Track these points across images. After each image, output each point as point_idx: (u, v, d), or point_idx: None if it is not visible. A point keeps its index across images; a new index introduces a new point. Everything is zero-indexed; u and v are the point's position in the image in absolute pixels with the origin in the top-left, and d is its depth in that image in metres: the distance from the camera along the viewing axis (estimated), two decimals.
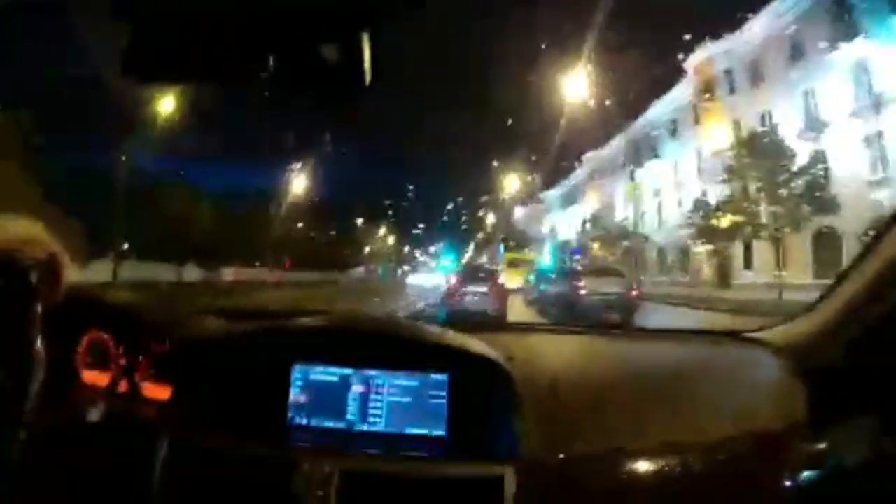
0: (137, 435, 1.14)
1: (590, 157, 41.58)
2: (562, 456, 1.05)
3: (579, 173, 45.62)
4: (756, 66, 24.44)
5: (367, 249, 64.84)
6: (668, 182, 30.56)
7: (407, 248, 78.41)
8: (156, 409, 1.25)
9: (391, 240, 72.73)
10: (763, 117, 23.87)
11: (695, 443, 1.09)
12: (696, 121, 28.55)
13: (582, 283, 13.27)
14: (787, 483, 1.05)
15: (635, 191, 24.08)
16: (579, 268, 16.58)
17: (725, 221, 22.02)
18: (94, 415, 1.26)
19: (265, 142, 40.28)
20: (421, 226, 77.22)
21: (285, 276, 40.52)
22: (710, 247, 25.54)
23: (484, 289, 13.05)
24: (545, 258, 45.12)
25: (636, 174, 32.25)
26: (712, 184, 26.51)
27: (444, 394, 1.17)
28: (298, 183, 40.19)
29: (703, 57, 26.90)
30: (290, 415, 1.20)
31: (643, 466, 1.05)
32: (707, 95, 26.85)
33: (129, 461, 1.11)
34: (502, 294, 13.69)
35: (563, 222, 49.79)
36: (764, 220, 20.39)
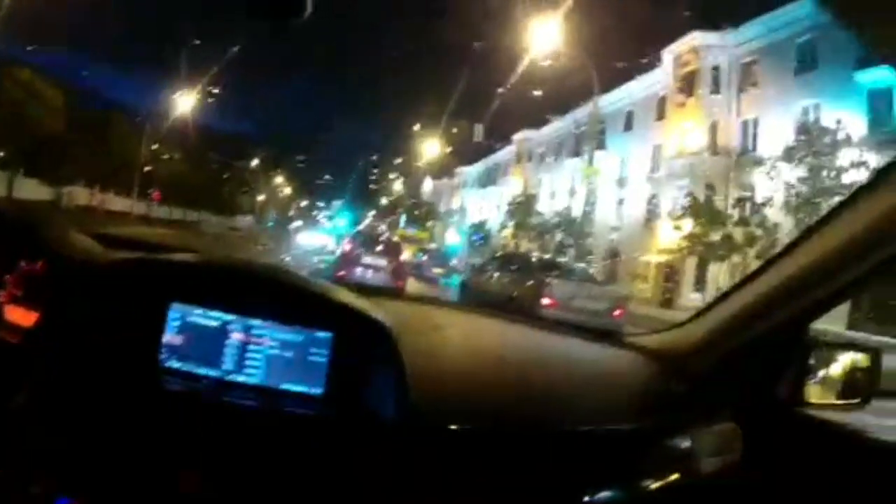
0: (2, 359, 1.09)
1: (522, 137, 38.12)
2: (435, 425, 1.07)
3: (504, 153, 42.21)
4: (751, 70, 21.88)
5: (260, 197, 57.93)
6: (611, 178, 27.82)
7: (305, 203, 70.83)
8: (16, 334, 1.16)
9: (288, 190, 65.52)
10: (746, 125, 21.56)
11: (562, 427, 1.13)
12: (661, 116, 26.02)
13: (551, 290, 9.14)
14: (645, 480, 1.12)
15: (591, 177, 20.65)
16: (533, 261, 11.94)
17: (681, 233, 19.39)
18: None
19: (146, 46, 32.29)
20: (326, 177, 69.28)
21: (153, 210, 33.60)
22: (661, 259, 23.10)
23: (383, 262, 11.95)
24: (448, 237, 42.34)
25: (576, 162, 29.40)
26: (667, 187, 24.21)
27: (325, 352, 1.13)
28: (183, 103, 33.13)
29: (689, 46, 24.02)
30: (162, 355, 1.12)
31: (506, 444, 1.09)
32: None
33: None
34: (403, 272, 12.66)
35: (476, 202, 46.34)
36: (735, 235, 17.88)
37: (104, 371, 1.05)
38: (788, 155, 17.29)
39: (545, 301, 8.96)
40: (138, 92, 39.31)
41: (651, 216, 25.53)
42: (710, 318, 1.33)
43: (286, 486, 0.99)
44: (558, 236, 28.20)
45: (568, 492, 1.08)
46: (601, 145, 28.30)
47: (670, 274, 22.66)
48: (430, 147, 45.35)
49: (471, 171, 49.67)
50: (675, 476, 1.14)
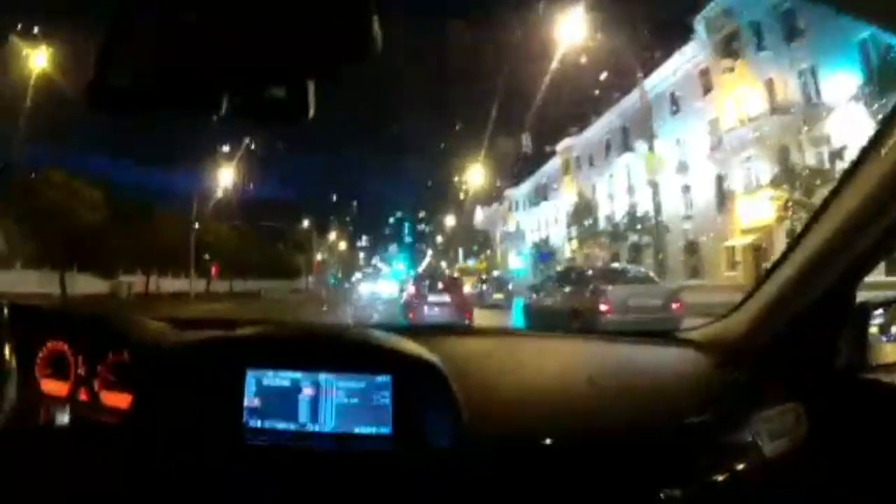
0: (100, 442, 1.20)
1: (565, 146, 36.44)
2: (491, 447, 1.12)
3: (549, 167, 40.56)
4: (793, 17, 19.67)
5: (318, 256, 58.44)
6: (670, 166, 25.66)
7: (361, 255, 71.09)
8: (115, 416, 1.27)
9: (343, 245, 65.96)
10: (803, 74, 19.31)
11: (623, 432, 1.16)
12: (707, 90, 23.94)
13: (606, 297, 9.55)
14: (713, 473, 1.12)
15: (655, 163, 18.59)
16: (589, 272, 11.95)
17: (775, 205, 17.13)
18: (58, 422, 1.28)
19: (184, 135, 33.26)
20: (376, 230, 69.75)
21: (214, 286, 33.83)
22: (746, 240, 20.70)
23: (446, 298, 12.65)
24: (510, 262, 40.77)
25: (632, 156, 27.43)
26: (732, 161, 21.96)
27: (387, 394, 1.21)
28: (226, 178, 33.67)
29: (720, 9, 22.16)
30: (244, 419, 1.23)
31: (572, 456, 1.13)
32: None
33: (93, 468, 1.16)
34: (467, 304, 13.30)
35: (531, 222, 44.63)
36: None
37: (195, 439, 1.15)
38: (860, 95, 15.59)
39: (603, 308, 9.35)
40: (180, 175, 39.52)
41: (723, 197, 23.24)
42: (756, 300, 1.32)
43: None
44: (632, 237, 26.23)
45: (640, 495, 1.09)
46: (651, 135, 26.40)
47: (760, 254, 20.12)
48: (475, 174, 44.20)
49: (519, 192, 48.24)
50: (742, 464, 1.14)
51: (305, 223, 50.57)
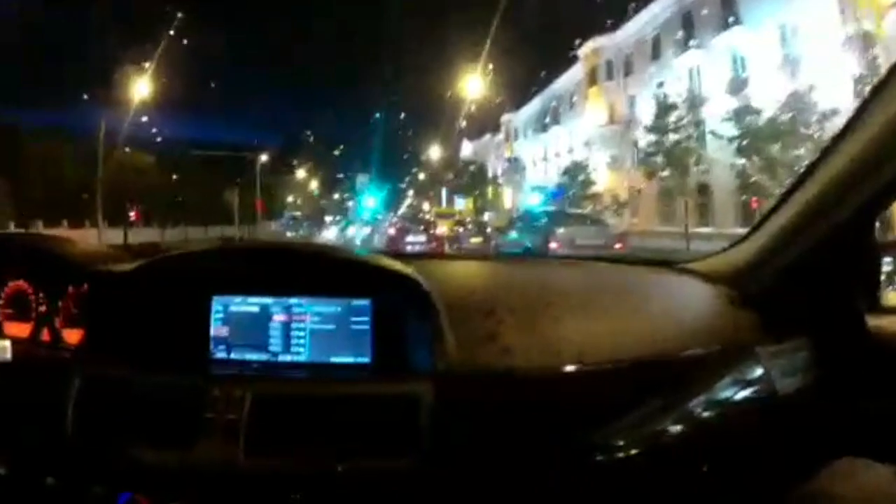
0: (52, 376, 1.12)
1: (592, 48, 28.19)
2: (482, 370, 1.04)
3: (566, 80, 32.43)
4: None
5: (290, 198, 49.93)
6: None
7: (336, 196, 61.52)
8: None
9: (314, 184, 56.90)
10: None
11: (623, 360, 1.07)
12: None
13: (556, 236, 11.27)
14: (720, 403, 1.07)
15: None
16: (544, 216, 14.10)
17: None
18: (15, 364, 1.20)
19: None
20: (356, 164, 58.83)
21: (139, 234, 25.39)
22: None
23: (423, 238, 15.52)
24: (507, 202, 33.74)
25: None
26: None
27: (367, 319, 1.14)
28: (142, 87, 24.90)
29: None
30: (210, 348, 1.16)
31: (567, 381, 1.05)
32: None
33: (44, 402, 1.10)
34: (441, 242, 16.43)
35: (536, 152, 36.79)
36: None
37: (155, 372, 1.07)
38: None
39: (553, 245, 10.95)
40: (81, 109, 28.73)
41: None
42: (764, 232, 1.24)
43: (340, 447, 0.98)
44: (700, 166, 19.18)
45: (641, 421, 1.02)
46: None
47: None
48: (470, 92, 35.59)
49: (520, 115, 39.99)
50: (751, 399, 1.09)
51: (264, 157, 41.63)
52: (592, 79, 28.22)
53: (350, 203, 55.80)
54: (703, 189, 20.62)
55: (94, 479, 1.01)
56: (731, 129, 17.29)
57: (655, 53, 24.39)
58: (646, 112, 24.49)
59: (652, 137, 20.92)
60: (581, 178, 26.65)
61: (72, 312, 1.25)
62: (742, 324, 1.17)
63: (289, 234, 32.16)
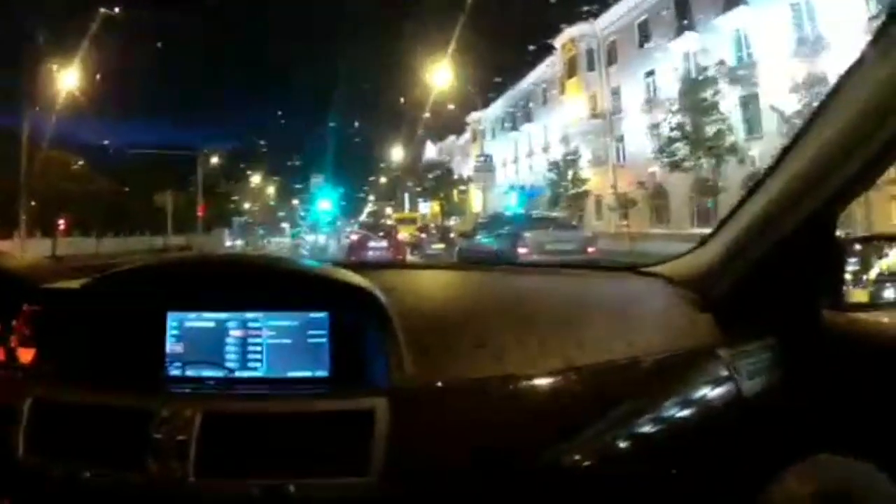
0: (3, 397, 1.10)
1: (572, 35, 26.51)
2: (440, 384, 1.02)
3: (538, 74, 30.83)
4: None
5: (245, 205, 46.35)
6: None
7: (295, 202, 57.30)
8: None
9: (271, 190, 53.12)
10: None
11: (585, 368, 1.06)
12: None
13: (525, 241, 10.63)
14: (685, 407, 1.06)
15: None
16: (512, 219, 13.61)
17: None
18: None
19: None
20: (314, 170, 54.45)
21: (70, 245, 22.08)
22: None
23: (385, 244, 14.58)
24: (475, 205, 32.02)
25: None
26: None
27: (324, 332, 1.13)
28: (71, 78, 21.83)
29: None
30: (166, 366, 1.15)
31: (527, 392, 1.04)
32: None
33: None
34: (401, 248, 15.37)
35: (506, 152, 35.09)
36: None
37: (108, 392, 1.05)
38: None
39: (522, 250, 10.36)
40: None
41: None
42: (726, 233, 1.24)
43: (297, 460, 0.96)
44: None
45: (606, 427, 1.01)
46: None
47: None
48: (433, 91, 33.38)
49: (487, 114, 38.23)
50: (717, 401, 1.09)
51: (214, 159, 38.23)
52: (571, 69, 26.52)
53: (301, 210, 51.95)
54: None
55: (46, 502, 1.01)
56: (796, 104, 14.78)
57: (644, 39, 22.86)
58: (633, 103, 23.06)
59: (675, 121, 18.12)
60: (571, 173, 24.68)
61: (26, 331, 1.23)
62: (705, 326, 1.17)
63: (229, 243, 28.52)
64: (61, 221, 22.65)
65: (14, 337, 1.21)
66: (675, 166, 18.32)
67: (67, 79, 21.73)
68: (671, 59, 20.68)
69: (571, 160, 24.90)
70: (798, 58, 16.24)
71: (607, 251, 14.56)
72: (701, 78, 17.92)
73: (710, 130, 17.26)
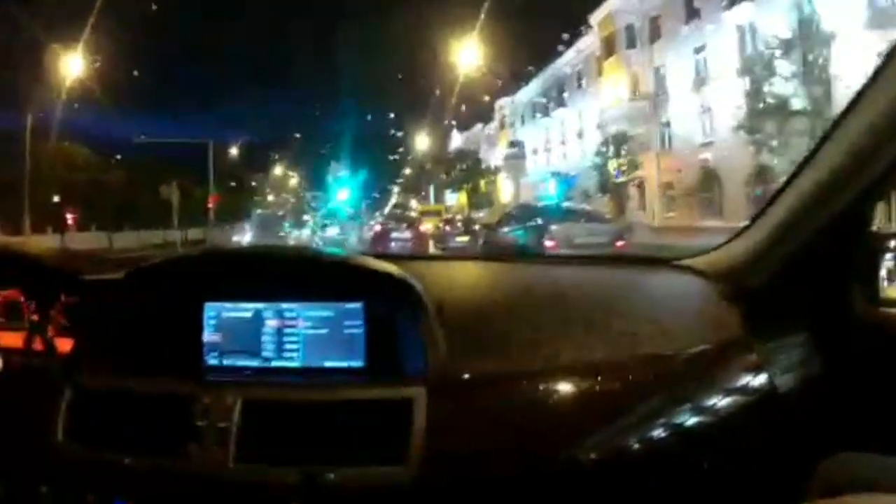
0: (44, 385, 1.12)
1: (610, 11, 24.43)
2: (477, 374, 1.03)
3: (572, 54, 28.80)
4: None
5: (269, 197, 45.08)
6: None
7: (309, 195, 55.84)
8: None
9: (294, 181, 51.71)
10: None
11: (618, 361, 1.07)
12: None
13: (552, 234, 10.30)
14: (718, 400, 1.06)
15: None
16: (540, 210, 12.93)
17: None
18: (8, 374, 1.20)
19: None
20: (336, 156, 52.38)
21: (78, 241, 20.95)
22: None
23: (408, 234, 15.04)
24: (504, 195, 30.28)
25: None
26: None
27: (360, 322, 1.14)
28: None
29: None
30: (203, 356, 1.16)
31: (563, 384, 1.04)
32: None
33: (37, 411, 1.10)
34: (424, 239, 15.63)
35: (537, 139, 33.14)
36: None
37: (148, 381, 1.07)
38: None
39: (549, 244, 9.99)
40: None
41: None
42: (761, 225, 1.22)
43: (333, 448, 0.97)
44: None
45: (639, 421, 1.01)
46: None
47: None
48: (460, 77, 31.50)
49: (517, 101, 36.22)
50: (750, 394, 1.07)
51: (234, 150, 37.07)
52: (609, 48, 24.41)
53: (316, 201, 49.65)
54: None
55: (87, 488, 1.01)
56: None
57: (692, 14, 20.60)
58: (677, 85, 20.94)
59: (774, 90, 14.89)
60: (620, 158, 22.41)
61: (63, 321, 1.24)
62: (739, 320, 1.16)
63: (236, 237, 25.01)
64: (69, 217, 21.62)
65: (51, 327, 1.24)
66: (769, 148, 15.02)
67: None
68: (718, 37, 18.45)
69: (627, 137, 22.48)
70: (871, 29, 13.97)
71: (643, 245, 13.70)
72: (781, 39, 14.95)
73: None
